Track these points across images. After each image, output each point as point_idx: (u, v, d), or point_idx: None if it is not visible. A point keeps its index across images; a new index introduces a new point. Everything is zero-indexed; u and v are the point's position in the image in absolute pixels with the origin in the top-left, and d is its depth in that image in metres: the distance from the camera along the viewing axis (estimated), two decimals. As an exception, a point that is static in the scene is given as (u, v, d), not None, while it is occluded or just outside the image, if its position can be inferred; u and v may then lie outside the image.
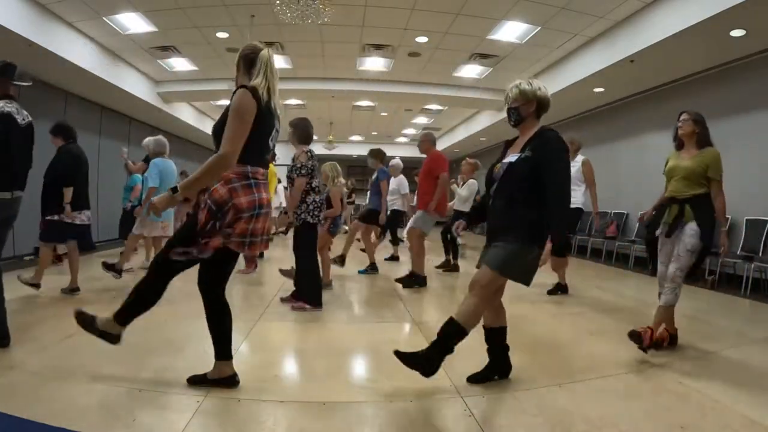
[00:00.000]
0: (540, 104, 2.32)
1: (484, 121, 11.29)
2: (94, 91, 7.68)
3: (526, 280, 2.20)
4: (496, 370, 2.40)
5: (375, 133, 15.33)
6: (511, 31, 6.58)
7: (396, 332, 3.45)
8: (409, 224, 5.43)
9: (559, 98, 7.95)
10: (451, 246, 6.26)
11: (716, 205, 2.82)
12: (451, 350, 2.18)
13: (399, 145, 16.18)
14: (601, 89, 7.46)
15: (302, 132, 3.91)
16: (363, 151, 15.25)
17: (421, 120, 13.26)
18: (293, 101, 11.00)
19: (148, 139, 5.28)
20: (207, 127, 12.39)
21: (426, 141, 5.16)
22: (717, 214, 2.82)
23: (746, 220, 5.40)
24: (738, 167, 4.72)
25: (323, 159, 4.93)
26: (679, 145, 3.01)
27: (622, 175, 7.94)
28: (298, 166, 3.84)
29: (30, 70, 6.50)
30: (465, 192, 6.34)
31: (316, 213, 3.88)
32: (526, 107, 2.31)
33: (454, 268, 6.15)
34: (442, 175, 4.84)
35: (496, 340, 2.39)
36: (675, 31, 5.05)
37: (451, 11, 6.01)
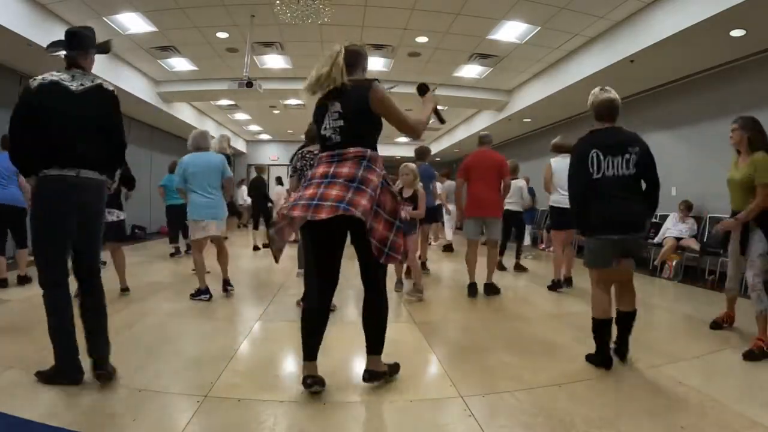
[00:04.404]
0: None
1: (484, 121, 11.27)
2: (94, 91, 7.67)
3: None
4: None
5: (375, 132, 15.30)
6: (511, 31, 6.58)
7: (396, 332, 3.43)
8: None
9: (559, 98, 7.97)
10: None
11: (755, 201, 2.92)
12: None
13: (399, 145, 16.17)
14: (601, 89, 7.44)
15: None
16: (363, 151, 15.32)
17: (421, 120, 13.23)
18: (293, 101, 10.99)
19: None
20: (207, 126, 12.37)
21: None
22: (753, 207, 2.92)
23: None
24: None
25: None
26: (739, 150, 3.12)
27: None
28: None
29: (30, 70, 6.51)
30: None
31: None
32: None
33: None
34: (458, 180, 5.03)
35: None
36: (675, 31, 5.05)
37: (451, 11, 6.01)
